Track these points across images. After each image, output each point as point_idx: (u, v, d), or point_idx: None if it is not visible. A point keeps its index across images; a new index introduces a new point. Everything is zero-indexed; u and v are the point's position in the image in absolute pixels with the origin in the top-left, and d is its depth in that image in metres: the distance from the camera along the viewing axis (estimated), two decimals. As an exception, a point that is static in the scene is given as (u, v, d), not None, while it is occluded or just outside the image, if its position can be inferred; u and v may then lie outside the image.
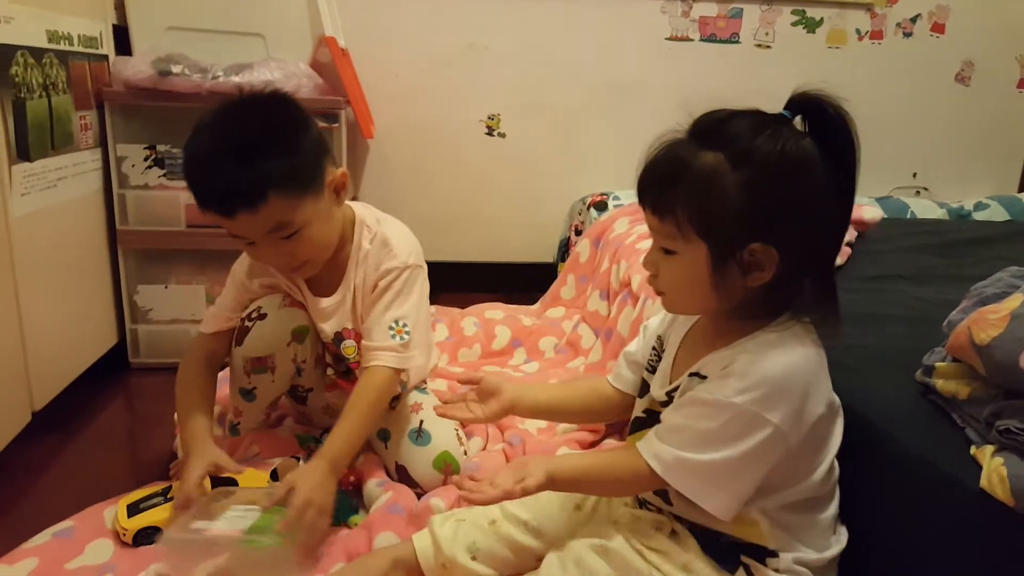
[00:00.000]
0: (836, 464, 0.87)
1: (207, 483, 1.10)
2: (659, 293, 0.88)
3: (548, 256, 2.53)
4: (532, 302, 2.12)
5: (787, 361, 0.79)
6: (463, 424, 1.46)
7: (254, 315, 1.23)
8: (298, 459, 1.27)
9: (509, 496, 0.81)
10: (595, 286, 1.90)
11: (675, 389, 0.88)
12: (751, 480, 0.81)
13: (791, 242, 0.77)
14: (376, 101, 2.26)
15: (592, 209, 2.26)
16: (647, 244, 1.75)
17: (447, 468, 1.23)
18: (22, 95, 1.39)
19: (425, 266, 1.27)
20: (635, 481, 0.86)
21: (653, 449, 0.83)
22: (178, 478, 1.24)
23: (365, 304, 1.23)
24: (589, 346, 1.78)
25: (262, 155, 1.03)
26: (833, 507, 0.88)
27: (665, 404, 0.90)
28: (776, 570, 0.85)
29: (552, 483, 0.85)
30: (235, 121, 1.08)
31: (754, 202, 0.76)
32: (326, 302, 1.25)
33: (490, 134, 2.45)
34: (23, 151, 1.39)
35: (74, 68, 1.59)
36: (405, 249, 1.23)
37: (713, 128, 0.79)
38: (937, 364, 0.92)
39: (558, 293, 2.06)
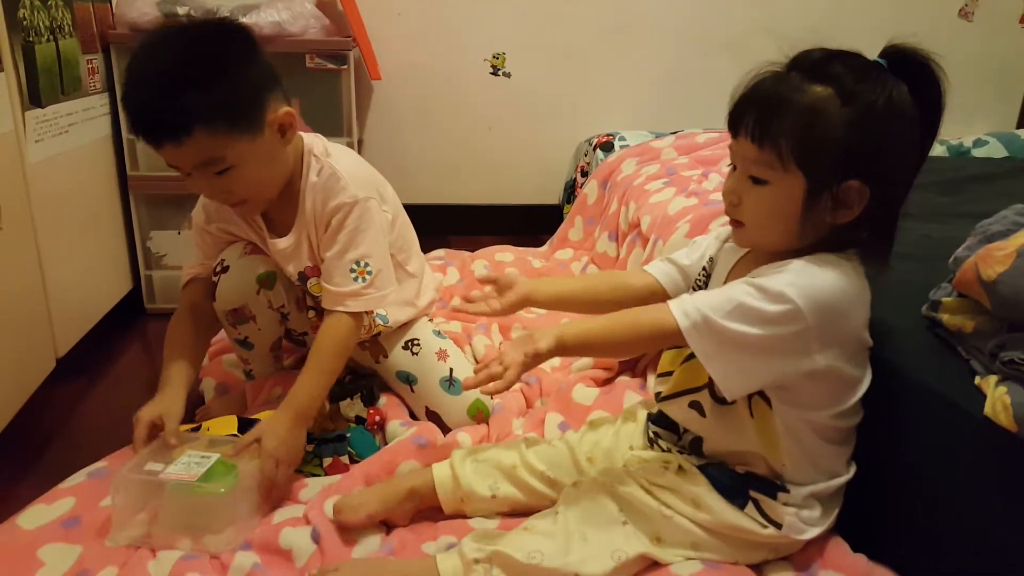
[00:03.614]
0: (861, 407, 0.91)
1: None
2: (737, 224, 0.89)
3: (554, 198, 2.54)
4: (539, 244, 2.14)
5: (839, 278, 0.83)
6: (479, 363, 1.50)
7: (219, 269, 1.23)
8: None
9: (525, 368, 0.83)
10: (603, 228, 1.92)
11: None
12: (763, 368, 0.84)
13: (882, 183, 0.81)
14: (379, 42, 2.23)
15: (598, 150, 2.26)
16: (655, 185, 1.79)
17: (479, 415, 1.28)
18: (31, 39, 1.37)
19: (380, 196, 1.20)
20: (652, 336, 0.87)
21: (683, 307, 0.85)
22: (203, 419, 1.28)
23: (321, 242, 1.17)
24: (598, 287, 1.81)
25: (192, 86, 0.98)
26: (852, 443, 0.93)
27: None
28: (786, 504, 0.89)
29: (563, 347, 0.85)
30: (172, 48, 1.03)
31: (858, 140, 0.80)
32: (283, 242, 1.20)
33: (495, 74, 2.43)
34: (35, 97, 1.39)
35: (79, 10, 1.57)
36: (356, 181, 1.15)
37: (821, 64, 0.82)
38: (943, 299, 0.96)
39: (566, 235, 2.08)
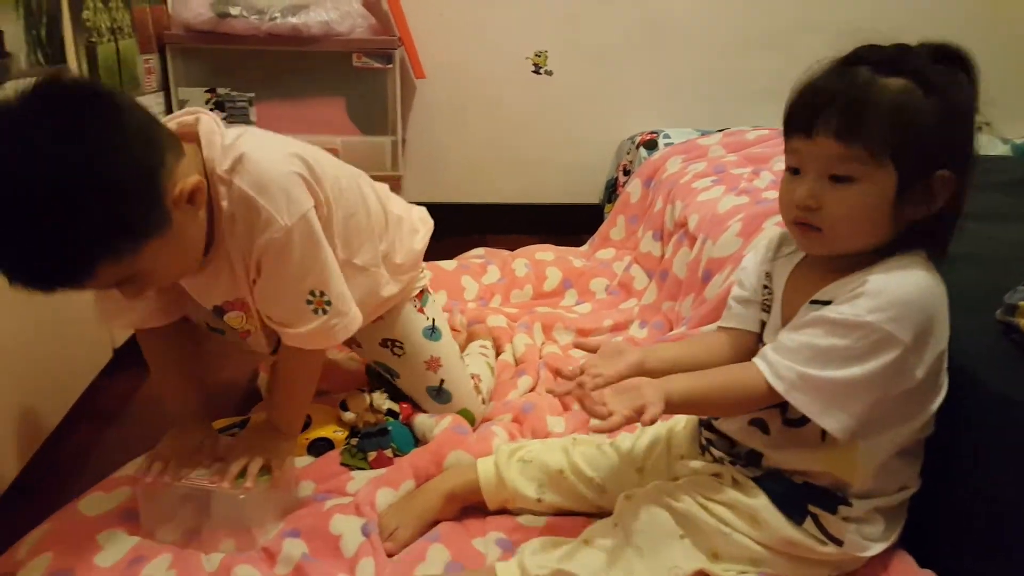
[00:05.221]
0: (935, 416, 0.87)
1: None
2: (811, 230, 0.82)
3: (593, 197, 2.53)
4: (577, 244, 2.12)
5: (919, 284, 0.80)
6: (518, 361, 1.49)
7: None
8: (363, 391, 1.31)
9: (627, 423, 0.79)
10: (647, 227, 1.90)
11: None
12: (872, 402, 0.80)
13: (963, 171, 0.80)
14: (422, 41, 2.23)
15: (642, 148, 2.24)
16: (703, 183, 1.77)
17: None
18: (93, 39, 1.42)
19: (313, 197, 0.97)
20: (752, 400, 0.85)
21: (773, 368, 0.82)
22: (258, 412, 1.29)
23: (259, 282, 0.99)
24: (642, 287, 1.79)
25: (76, 218, 0.75)
26: (922, 454, 0.90)
27: None
28: (846, 518, 0.86)
29: (668, 407, 0.81)
30: (28, 169, 0.73)
31: (949, 128, 0.79)
32: (197, 278, 1.02)
33: (537, 72, 2.42)
34: (95, 96, 1.43)
35: (137, 12, 1.62)
36: (279, 203, 0.93)
37: (896, 58, 0.80)
38: (1020, 303, 0.91)
39: (607, 234, 2.06)
